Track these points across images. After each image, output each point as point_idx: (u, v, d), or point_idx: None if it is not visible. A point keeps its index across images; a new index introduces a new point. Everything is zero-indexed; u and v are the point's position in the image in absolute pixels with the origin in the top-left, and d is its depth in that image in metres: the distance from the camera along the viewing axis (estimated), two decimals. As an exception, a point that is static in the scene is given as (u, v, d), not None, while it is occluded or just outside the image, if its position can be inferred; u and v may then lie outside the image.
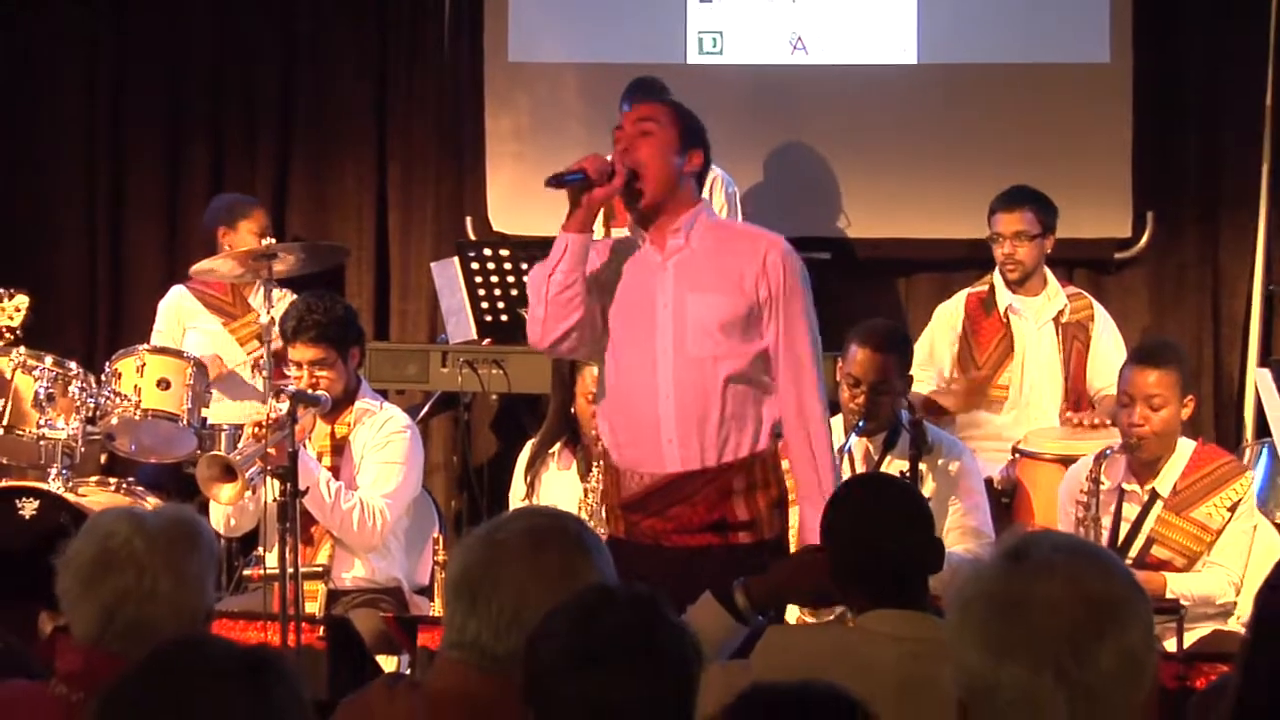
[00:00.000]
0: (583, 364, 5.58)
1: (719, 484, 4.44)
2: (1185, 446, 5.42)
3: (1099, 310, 6.62)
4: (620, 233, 4.76)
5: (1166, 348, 5.71)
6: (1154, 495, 5.37)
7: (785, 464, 4.60)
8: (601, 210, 4.58)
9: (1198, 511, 5.33)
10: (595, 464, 5.47)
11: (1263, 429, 6.36)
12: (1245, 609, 5.10)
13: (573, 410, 5.83)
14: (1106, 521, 5.38)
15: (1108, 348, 6.54)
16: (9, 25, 7.88)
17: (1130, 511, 5.36)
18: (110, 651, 2.86)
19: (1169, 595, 5.19)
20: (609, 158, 4.40)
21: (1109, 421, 6.22)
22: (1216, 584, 5.29)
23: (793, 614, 5.08)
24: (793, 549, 4.50)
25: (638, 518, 4.48)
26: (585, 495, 5.62)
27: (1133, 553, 5.32)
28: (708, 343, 4.41)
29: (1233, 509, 5.33)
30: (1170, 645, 4.95)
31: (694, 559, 4.42)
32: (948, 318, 6.59)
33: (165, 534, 2.95)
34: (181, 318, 6.79)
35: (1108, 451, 5.37)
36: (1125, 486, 5.40)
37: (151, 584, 2.90)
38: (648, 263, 4.50)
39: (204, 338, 6.69)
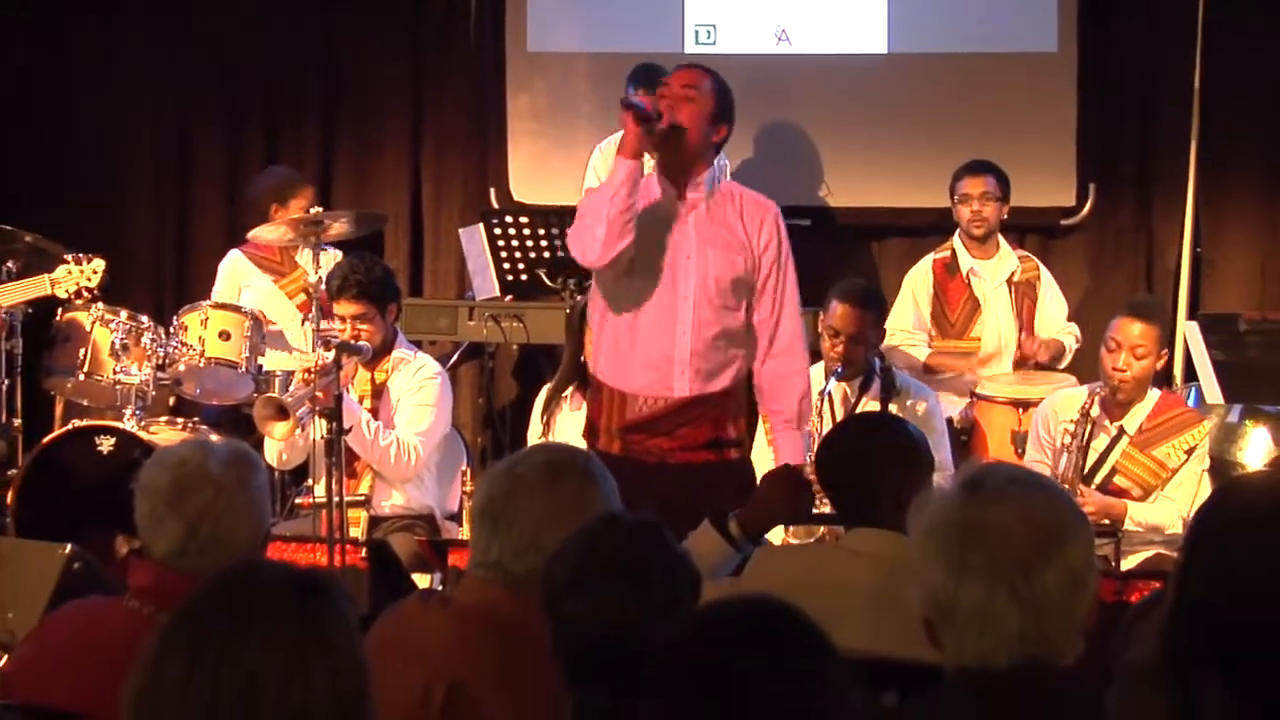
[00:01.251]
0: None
1: (718, 408, 4.51)
2: (1153, 393, 5.42)
3: (1044, 271, 6.67)
4: None
5: (1154, 306, 5.74)
6: (1121, 431, 5.35)
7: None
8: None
9: (1158, 450, 5.32)
10: None
11: (1190, 375, 6.35)
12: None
13: (583, 358, 5.81)
14: (1076, 450, 5.37)
15: (1051, 303, 6.60)
16: (90, 24, 7.84)
17: (1099, 443, 5.34)
18: (180, 570, 2.85)
19: (1128, 521, 5.20)
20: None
21: (1049, 360, 6.32)
22: (1167, 515, 5.29)
23: (778, 536, 5.09)
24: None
25: (641, 437, 4.52)
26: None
27: (1097, 480, 5.32)
28: (722, 293, 4.51)
29: (1189, 452, 5.32)
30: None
31: (696, 472, 4.51)
32: (921, 282, 6.56)
33: (231, 457, 2.96)
34: (237, 278, 6.76)
35: (1098, 388, 5.34)
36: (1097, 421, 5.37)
37: (228, 499, 2.90)
38: (670, 212, 4.51)
39: (258, 294, 6.66)
